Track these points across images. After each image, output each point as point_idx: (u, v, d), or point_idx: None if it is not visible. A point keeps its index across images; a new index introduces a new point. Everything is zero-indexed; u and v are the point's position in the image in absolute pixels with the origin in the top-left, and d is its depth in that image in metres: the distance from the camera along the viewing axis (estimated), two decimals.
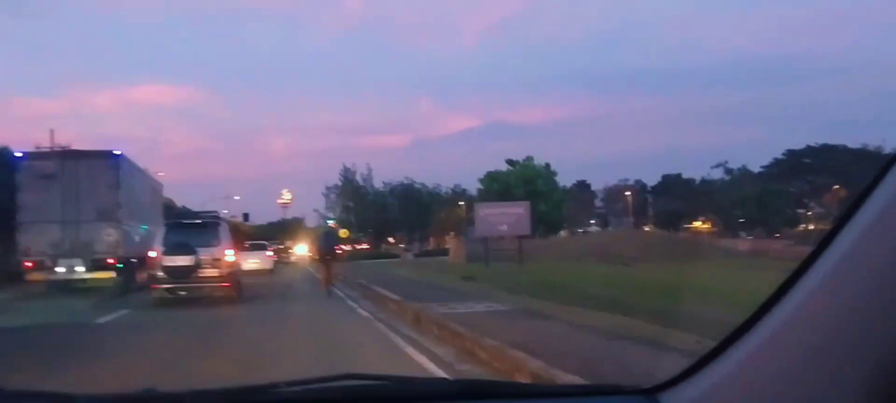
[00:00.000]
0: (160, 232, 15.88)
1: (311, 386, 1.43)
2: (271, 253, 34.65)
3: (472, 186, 73.97)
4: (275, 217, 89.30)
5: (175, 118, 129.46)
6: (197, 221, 16.48)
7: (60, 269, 17.86)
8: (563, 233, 67.61)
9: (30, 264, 17.87)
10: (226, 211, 55.52)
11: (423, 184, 73.75)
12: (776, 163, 73.07)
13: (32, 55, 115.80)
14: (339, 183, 69.23)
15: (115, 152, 18.93)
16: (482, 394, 1.57)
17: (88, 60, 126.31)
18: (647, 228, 69.07)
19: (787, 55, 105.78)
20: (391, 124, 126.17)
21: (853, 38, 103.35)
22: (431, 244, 74.04)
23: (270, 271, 30.82)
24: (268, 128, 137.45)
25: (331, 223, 46.00)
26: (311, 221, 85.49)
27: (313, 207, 72.89)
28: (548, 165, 66.13)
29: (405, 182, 72.34)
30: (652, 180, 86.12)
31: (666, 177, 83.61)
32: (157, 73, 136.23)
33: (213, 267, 15.05)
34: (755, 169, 73.93)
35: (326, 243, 18.56)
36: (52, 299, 16.43)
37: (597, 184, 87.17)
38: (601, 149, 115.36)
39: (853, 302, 0.87)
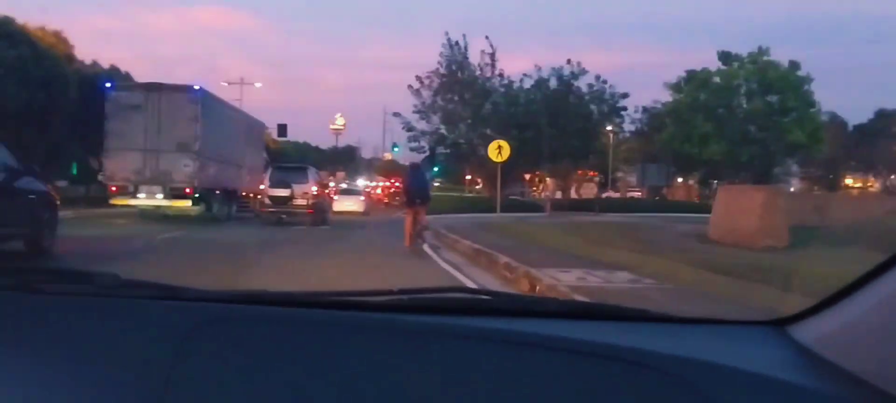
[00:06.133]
0: (267, 173, 21.90)
1: (422, 295, 1.46)
2: (363, 198, 36.39)
3: (635, 101, 50.42)
4: (326, 143, 76.30)
5: (230, 43, 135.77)
6: (293, 166, 23.31)
7: (141, 195, 19.05)
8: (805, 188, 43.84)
9: (114, 188, 19.20)
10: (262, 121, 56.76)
11: (595, 80, 36.66)
12: None
13: None
14: (440, 68, 35.30)
15: (195, 87, 19.63)
16: (593, 315, 1.53)
17: None
18: None
19: None
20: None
21: None
22: (557, 190, 43.10)
23: (364, 213, 32.29)
24: (320, 59, 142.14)
25: (393, 151, 37.11)
26: (368, 150, 78.62)
27: (392, 111, 47.60)
28: (795, 64, 38.20)
29: (568, 72, 35.60)
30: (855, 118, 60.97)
31: (882, 113, 57.24)
32: None
33: (302, 198, 20.59)
34: None
35: (416, 181, 13.89)
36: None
37: None
38: None
39: None
